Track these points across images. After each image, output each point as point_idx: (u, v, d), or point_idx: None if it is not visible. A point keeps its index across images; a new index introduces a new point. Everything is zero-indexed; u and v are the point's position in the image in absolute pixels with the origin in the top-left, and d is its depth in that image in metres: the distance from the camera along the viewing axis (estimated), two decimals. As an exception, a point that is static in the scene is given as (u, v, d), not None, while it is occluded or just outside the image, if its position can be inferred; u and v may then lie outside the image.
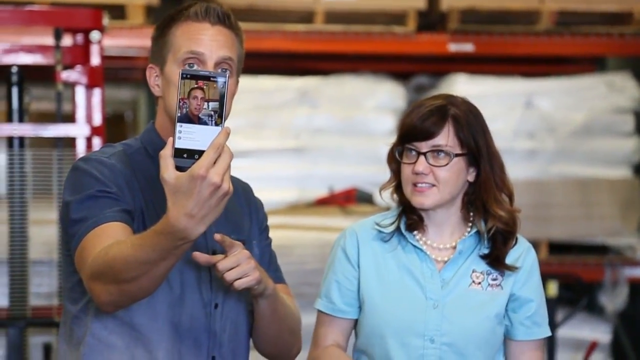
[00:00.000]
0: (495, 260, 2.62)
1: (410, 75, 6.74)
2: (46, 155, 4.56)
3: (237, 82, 2.46)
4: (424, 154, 2.59)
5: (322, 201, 6.05)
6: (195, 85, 2.00)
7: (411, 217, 2.66)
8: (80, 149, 4.55)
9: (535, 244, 6.17)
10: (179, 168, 1.98)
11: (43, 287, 4.81)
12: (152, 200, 2.33)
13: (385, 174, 2.75)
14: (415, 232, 2.66)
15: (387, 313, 2.60)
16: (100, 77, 4.59)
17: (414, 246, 2.65)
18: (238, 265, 2.22)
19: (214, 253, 2.40)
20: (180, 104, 2.00)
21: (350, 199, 5.92)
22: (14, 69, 4.56)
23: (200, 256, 2.22)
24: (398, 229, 2.67)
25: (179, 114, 2.00)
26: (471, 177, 2.65)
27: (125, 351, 2.33)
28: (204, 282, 2.39)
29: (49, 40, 4.57)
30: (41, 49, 4.60)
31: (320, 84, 6.38)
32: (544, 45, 6.37)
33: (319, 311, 2.73)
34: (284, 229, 5.64)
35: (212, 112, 2.00)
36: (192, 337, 2.37)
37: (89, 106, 4.61)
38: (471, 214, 2.67)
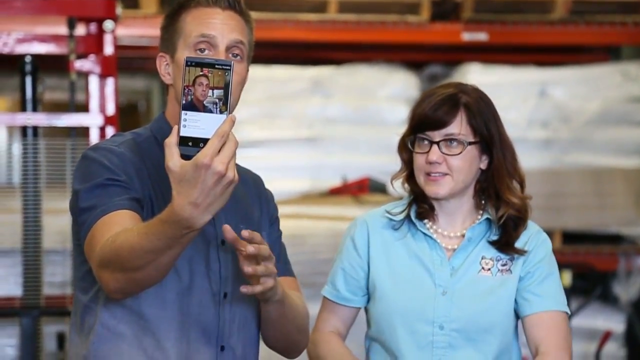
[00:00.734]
0: (505, 245, 2.62)
1: (423, 65, 6.73)
2: (59, 145, 4.56)
3: (248, 68, 2.45)
4: (437, 143, 2.59)
5: (335, 191, 6.05)
6: (200, 73, 1.99)
7: (422, 206, 2.65)
8: (94, 138, 4.56)
9: (549, 234, 6.09)
10: (185, 156, 1.96)
11: (57, 277, 4.82)
12: (160, 189, 2.32)
13: (399, 163, 2.74)
14: (425, 221, 2.66)
15: (396, 300, 2.60)
16: (113, 67, 4.59)
17: (424, 234, 2.65)
18: (264, 259, 2.18)
19: (222, 243, 2.41)
20: (185, 91, 1.98)
21: (363, 189, 5.92)
22: (28, 59, 4.56)
23: (228, 232, 2.18)
24: (408, 217, 2.66)
25: (183, 102, 1.98)
26: (484, 165, 2.64)
27: (133, 340, 2.32)
28: (212, 272, 2.38)
29: (62, 29, 4.57)
30: (55, 38, 4.61)
31: (333, 74, 6.38)
32: (558, 34, 6.36)
33: (324, 297, 2.74)
34: (296, 218, 5.65)
35: (217, 100, 1.98)
36: (200, 327, 2.36)
37: (102, 96, 4.61)
38: (483, 201, 2.66)
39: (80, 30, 4.60)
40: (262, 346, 2.54)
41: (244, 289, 2.19)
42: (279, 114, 6.24)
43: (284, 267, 2.55)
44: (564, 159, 6.33)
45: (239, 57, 2.37)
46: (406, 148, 2.66)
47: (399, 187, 2.72)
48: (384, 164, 5.93)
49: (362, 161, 6.17)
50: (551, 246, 2.70)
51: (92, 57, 4.59)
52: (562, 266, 5.74)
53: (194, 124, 1.98)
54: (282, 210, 6.07)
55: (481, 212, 2.66)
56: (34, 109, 4.59)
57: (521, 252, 2.62)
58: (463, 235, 2.64)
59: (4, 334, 5.02)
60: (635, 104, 6.36)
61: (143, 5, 6.22)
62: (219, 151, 1.94)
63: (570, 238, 6.25)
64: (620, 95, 6.34)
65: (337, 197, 5.96)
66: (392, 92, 6.35)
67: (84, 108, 4.67)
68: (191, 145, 1.97)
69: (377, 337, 2.66)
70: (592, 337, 6.03)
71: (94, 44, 4.59)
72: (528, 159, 6.14)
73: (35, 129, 4.57)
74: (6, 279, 5.03)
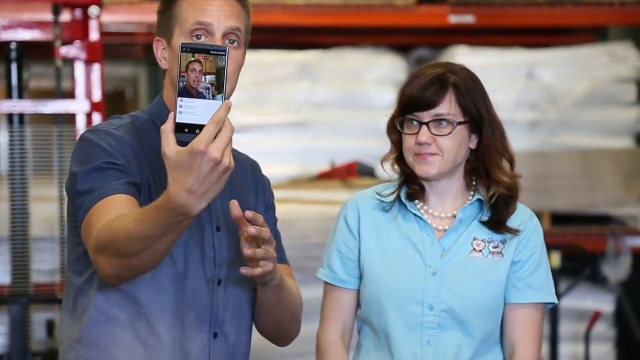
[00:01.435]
0: (497, 223, 2.62)
1: (410, 48, 6.71)
2: (46, 132, 4.55)
3: (245, 53, 2.44)
4: (426, 123, 2.58)
5: (323, 175, 6.04)
6: (193, 58, 1.98)
7: (412, 187, 2.65)
8: (80, 124, 4.55)
9: (538, 215, 6.10)
10: (181, 143, 1.96)
11: (45, 264, 4.81)
12: (158, 173, 2.31)
13: (387, 147, 2.73)
14: (416, 201, 2.65)
15: (386, 281, 2.60)
16: (99, 53, 4.57)
17: (415, 215, 2.64)
18: (264, 242, 2.18)
19: (217, 229, 2.40)
20: (181, 77, 1.98)
21: (351, 173, 5.91)
22: (13, 45, 4.55)
23: (235, 207, 2.17)
24: (398, 198, 2.66)
25: (179, 88, 1.97)
26: (473, 145, 2.64)
27: (127, 324, 2.32)
28: (207, 258, 2.38)
29: (47, 16, 4.55)
30: (40, 24, 4.59)
31: (320, 58, 6.36)
32: (545, 15, 6.34)
33: (324, 282, 2.73)
34: (286, 203, 5.63)
35: (212, 86, 1.98)
36: (194, 313, 2.36)
37: (88, 82, 4.60)
38: (473, 181, 2.66)
39: (65, 16, 4.58)
40: (255, 334, 2.54)
41: (244, 270, 2.19)
42: (266, 99, 6.22)
43: (279, 255, 2.54)
44: (552, 140, 6.33)
45: (235, 44, 2.37)
46: (395, 129, 2.66)
47: (388, 170, 2.71)
48: (373, 147, 5.92)
49: (351, 145, 6.16)
50: (542, 232, 2.70)
51: (77, 43, 4.58)
52: (551, 247, 5.73)
53: (190, 110, 1.97)
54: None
55: (472, 192, 2.66)
56: (20, 96, 4.57)
57: (514, 232, 2.62)
58: (454, 216, 2.64)
59: (-7, 322, 5.02)
60: (622, 85, 6.36)
61: (129, -9, 6.18)
62: (215, 137, 1.93)
63: (559, 219, 6.25)
64: (608, 76, 6.34)
65: (325, 181, 5.96)
66: (380, 75, 6.33)
67: (70, 95, 4.65)
68: (187, 132, 1.97)
69: (366, 318, 2.66)
70: (582, 317, 6.04)
71: (79, 30, 4.58)
72: (516, 141, 6.05)
73: (21, 116, 4.55)
74: (-6, 267, 5.02)
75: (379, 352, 2.63)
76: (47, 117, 4.68)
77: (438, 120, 2.58)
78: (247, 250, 2.16)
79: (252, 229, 2.13)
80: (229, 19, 2.35)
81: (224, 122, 1.95)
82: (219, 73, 1.98)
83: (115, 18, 6.08)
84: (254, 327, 2.54)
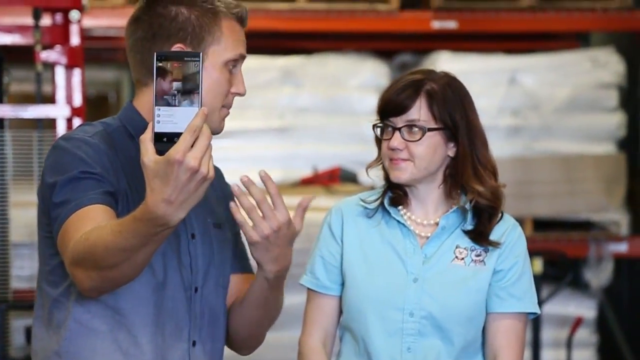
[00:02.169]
0: (479, 235, 2.61)
1: (394, 53, 6.71)
2: (26, 137, 4.52)
3: None
4: (399, 129, 2.58)
5: (306, 181, 6.03)
6: (167, 66, 1.96)
7: (396, 192, 2.64)
8: (61, 129, 4.52)
9: (520, 221, 6.06)
10: (160, 152, 1.93)
11: (25, 270, 4.78)
12: (134, 182, 2.28)
13: (369, 153, 2.74)
14: (399, 208, 2.65)
15: (367, 287, 2.59)
16: (80, 57, 4.55)
17: (398, 221, 2.64)
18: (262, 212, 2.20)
19: (192, 236, 2.38)
20: (158, 86, 1.95)
21: (334, 179, 5.90)
22: (-7, 50, 4.53)
23: (237, 190, 2.17)
24: (382, 205, 2.65)
25: (155, 97, 1.95)
26: (451, 152, 2.63)
27: (108, 335, 2.29)
28: (184, 266, 2.36)
29: (28, 20, 4.53)
30: (20, 29, 4.57)
31: (303, 63, 6.35)
32: (527, 21, 6.35)
33: (307, 289, 2.71)
34: (268, 208, 5.62)
35: (188, 93, 1.96)
36: (174, 321, 2.34)
37: (69, 87, 4.58)
38: (454, 190, 2.65)
39: (46, 20, 4.55)
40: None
41: (244, 178, 2.18)
42: (249, 104, 6.19)
43: (244, 264, 2.55)
44: (534, 146, 6.33)
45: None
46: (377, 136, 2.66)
47: (371, 176, 2.71)
48: (355, 153, 5.92)
49: (333, 151, 6.14)
50: (525, 242, 2.69)
51: (58, 47, 4.55)
52: (533, 253, 5.71)
53: (167, 119, 1.95)
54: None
55: (454, 201, 2.65)
56: (0, 101, 4.54)
57: (495, 245, 2.61)
58: (437, 224, 2.63)
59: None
60: (604, 90, 6.36)
61: (111, -5, 6.16)
62: (192, 146, 1.91)
63: (541, 225, 6.26)
64: (590, 82, 6.34)
65: (308, 187, 5.94)
66: (363, 81, 6.33)
67: (51, 99, 4.63)
68: (166, 141, 1.94)
69: (347, 325, 2.65)
70: (564, 323, 6.05)
71: (60, 34, 4.55)
72: (498, 147, 6.13)
73: (1, 120, 4.52)
74: (-27, 274, 4.98)
75: (359, 358, 2.62)
76: (27, 121, 4.65)
77: (410, 125, 2.57)
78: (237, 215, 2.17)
79: (244, 177, 2.15)
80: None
81: (201, 129, 1.92)
82: (194, 80, 1.96)
83: (97, 22, 6.06)
84: None
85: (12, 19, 4.66)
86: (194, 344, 2.38)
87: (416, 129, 2.57)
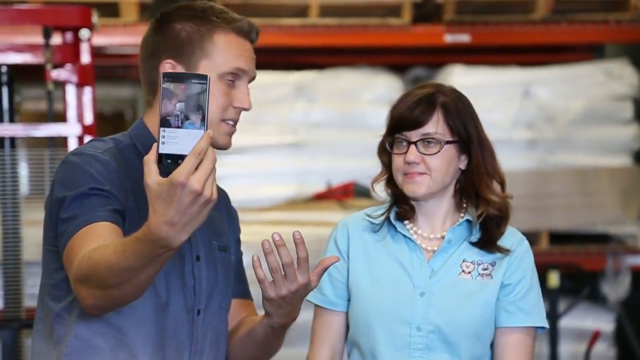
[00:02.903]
0: (487, 243, 2.59)
1: (406, 68, 6.71)
2: (38, 155, 4.52)
3: None
4: (415, 143, 2.57)
5: (320, 196, 6.02)
6: (175, 88, 1.94)
7: (402, 207, 2.63)
8: (72, 148, 4.50)
9: (536, 235, 6.15)
10: (164, 173, 1.92)
11: (37, 289, 4.76)
12: (143, 200, 2.27)
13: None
14: (406, 222, 2.64)
15: (374, 301, 2.58)
16: (90, 76, 4.54)
17: (404, 236, 2.62)
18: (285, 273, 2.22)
19: (197, 258, 2.37)
20: (163, 107, 1.95)
21: (348, 193, 5.89)
22: (4, 69, 4.52)
23: (267, 247, 2.20)
24: (388, 219, 2.64)
25: (161, 118, 1.94)
26: (463, 165, 2.63)
27: (109, 354, 2.28)
28: (187, 287, 2.35)
29: (38, 39, 4.53)
30: (30, 48, 4.56)
31: (316, 78, 6.35)
32: (541, 34, 6.34)
33: (314, 305, 2.70)
34: (282, 225, 5.61)
35: (193, 115, 1.95)
36: (175, 343, 2.33)
37: (80, 105, 4.56)
38: (464, 202, 2.64)
39: (57, 39, 4.56)
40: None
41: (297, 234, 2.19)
42: (262, 120, 6.21)
43: (243, 288, 2.55)
44: (549, 159, 6.31)
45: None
46: (385, 150, 2.65)
47: (383, 192, 2.70)
48: (369, 168, 5.84)
49: (347, 166, 6.14)
50: (532, 255, 2.67)
51: (68, 66, 4.55)
52: (549, 267, 5.76)
53: (172, 141, 1.94)
54: (266, 216, 6.03)
55: (462, 213, 2.63)
56: (11, 120, 4.55)
57: (504, 251, 2.59)
58: (443, 237, 2.61)
59: (-15, 348, 4.98)
60: (619, 102, 6.34)
61: (123, 13, 6.18)
62: (196, 169, 1.89)
63: (557, 238, 6.23)
64: (604, 94, 6.32)
65: (322, 202, 5.93)
66: (376, 95, 6.32)
67: (62, 118, 4.63)
68: (170, 162, 1.93)
69: (355, 340, 2.63)
70: (582, 337, 6.01)
71: (70, 53, 4.54)
72: (513, 160, 6.13)
73: (12, 139, 4.53)
74: (-14, 293, 4.99)
75: (367, 374, 2.61)
76: (39, 140, 4.65)
77: (426, 139, 2.57)
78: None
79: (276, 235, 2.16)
80: (254, 66, 2.39)
81: (206, 152, 1.91)
82: (200, 102, 1.95)
83: (110, 40, 6.08)
84: None
85: (23, 38, 4.66)
86: None
87: (433, 143, 2.57)
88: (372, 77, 6.38)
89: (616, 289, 6.21)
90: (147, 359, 2.29)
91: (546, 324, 2.63)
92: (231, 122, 2.37)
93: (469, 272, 2.59)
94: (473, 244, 2.61)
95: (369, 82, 6.34)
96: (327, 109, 6.27)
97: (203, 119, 1.95)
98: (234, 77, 2.34)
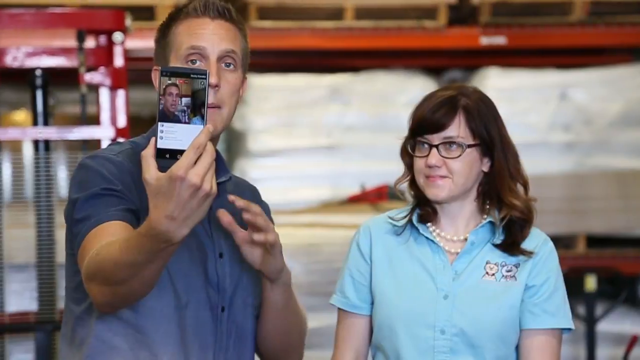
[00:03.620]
0: (511, 246, 2.57)
1: (442, 70, 6.69)
2: (72, 158, 4.55)
3: (244, 76, 2.42)
4: (436, 146, 2.55)
5: (354, 199, 6.01)
6: (170, 82, 1.95)
7: (425, 209, 2.62)
8: (106, 150, 4.53)
9: (573, 238, 6.10)
10: (163, 168, 1.94)
11: (70, 291, 4.79)
12: None
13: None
14: (428, 224, 2.62)
15: (397, 305, 2.57)
16: (124, 79, 4.57)
17: (427, 238, 2.61)
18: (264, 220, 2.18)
19: (220, 255, 2.37)
20: (160, 102, 1.95)
21: (382, 196, 5.87)
22: (38, 72, 4.56)
23: (225, 215, 2.18)
24: (410, 221, 2.63)
25: (159, 113, 1.95)
26: (485, 168, 2.60)
27: (129, 353, 2.29)
28: (211, 285, 2.35)
29: (72, 42, 4.56)
30: (64, 51, 4.59)
31: (351, 81, 6.35)
32: (578, 36, 6.29)
33: (338, 308, 2.69)
34: (315, 227, 5.61)
35: (191, 110, 1.95)
36: (197, 341, 2.33)
37: (113, 108, 4.60)
38: (487, 205, 2.62)
39: (90, 43, 4.59)
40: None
41: (256, 236, 2.17)
42: (297, 123, 6.21)
43: None
44: (586, 161, 6.26)
45: (231, 67, 2.35)
46: (407, 152, 2.64)
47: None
48: (403, 171, 5.87)
49: (381, 168, 6.10)
50: (557, 257, 2.65)
51: (102, 69, 4.58)
52: (587, 270, 5.72)
53: (171, 135, 1.95)
54: (299, 219, 6.03)
55: (485, 215, 2.61)
56: (46, 123, 4.58)
57: (528, 254, 2.57)
58: (466, 239, 2.60)
59: (21, 349, 5.02)
60: (657, 105, 6.28)
61: (159, 17, 6.20)
62: (195, 163, 1.91)
63: (595, 242, 6.18)
64: (642, 96, 6.27)
65: (355, 205, 5.92)
66: (411, 98, 6.28)
67: (96, 121, 4.66)
68: (169, 158, 1.95)
69: (379, 344, 2.62)
70: (619, 342, 5.94)
71: (103, 56, 4.58)
72: (550, 163, 6.09)
73: (47, 142, 4.56)
74: (21, 294, 5.02)
75: (392, 377, 2.59)
76: (73, 142, 4.68)
77: (448, 142, 2.55)
78: (240, 232, 2.16)
79: (247, 215, 2.12)
80: (223, 42, 2.34)
81: (205, 146, 1.93)
82: (199, 96, 1.96)
83: (145, 44, 6.09)
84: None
85: (57, 42, 4.69)
86: None
87: (455, 146, 2.55)
88: (407, 79, 6.36)
89: (654, 293, 6.16)
90: (168, 357, 2.30)
91: (572, 325, 2.61)
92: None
93: (493, 274, 2.57)
94: (496, 246, 2.59)
95: (404, 84, 6.32)
96: (361, 111, 6.26)
97: (202, 114, 1.96)
98: (195, 57, 2.32)
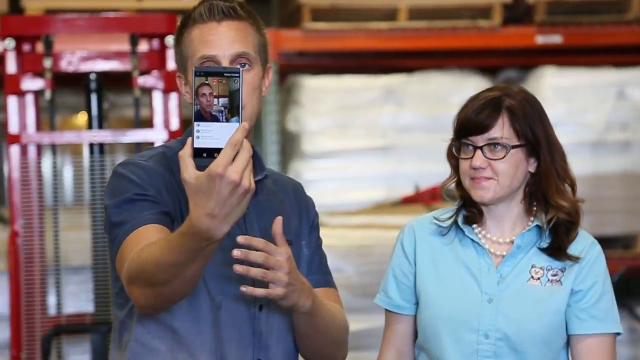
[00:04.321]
0: (557, 250, 2.54)
1: (497, 70, 6.64)
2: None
3: (264, 72, 2.42)
4: (481, 147, 2.54)
5: (408, 199, 6.00)
6: (205, 82, 1.98)
7: (470, 210, 2.60)
8: (159, 153, 4.57)
9: (632, 237, 6.02)
10: (201, 168, 1.96)
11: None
12: None
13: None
14: (474, 226, 2.60)
15: (441, 307, 2.55)
16: (176, 82, 4.60)
17: (472, 240, 2.59)
18: (268, 267, 2.14)
19: None
20: (195, 102, 1.98)
21: (436, 197, 5.85)
22: (92, 76, 4.62)
23: (277, 225, 2.16)
24: (456, 223, 2.61)
25: (195, 113, 1.98)
26: (532, 168, 2.58)
27: (168, 355, 2.31)
28: (247, 283, 2.36)
29: (125, 46, 4.62)
30: (118, 55, 4.65)
31: (405, 82, 6.33)
32: (635, 34, 6.22)
33: (384, 309, 2.69)
34: (368, 228, 5.60)
35: (226, 108, 1.97)
36: (235, 340, 2.34)
37: (166, 111, 4.64)
38: (533, 206, 2.59)
39: (143, 46, 4.63)
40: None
41: (243, 288, 2.15)
42: (351, 124, 6.21)
43: (323, 278, 2.52)
44: (644, 161, 6.18)
45: (246, 66, 2.35)
46: (453, 154, 2.64)
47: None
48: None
49: (436, 169, 6.06)
50: (605, 260, 2.61)
51: (155, 73, 4.62)
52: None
53: (207, 135, 1.98)
54: (354, 220, 6.00)
55: (532, 218, 2.59)
56: (100, 126, 4.64)
57: (574, 259, 2.54)
58: (512, 242, 2.57)
59: (77, 351, 5.09)
60: None
61: (213, 19, 6.24)
62: (233, 160, 1.93)
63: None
64: (702, 94, 6.17)
65: (409, 206, 5.90)
66: (466, 98, 6.14)
67: (149, 124, 4.71)
68: (206, 157, 1.97)
69: (423, 345, 2.62)
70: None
71: (156, 59, 4.63)
72: (607, 162, 6.02)
73: (101, 145, 4.62)
74: (78, 296, 5.09)
75: (435, 379, 2.58)
76: (126, 145, 4.73)
77: (492, 144, 2.53)
78: (238, 267, 2.11)
79: (235, 251, 2.09)
80: (234, 45, 2.34)
81: (242, 144, 1.94)
82: (234, 95, 1.98)
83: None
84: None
85: (111, 46, 4.74)
86: None
87: (499, 147, 2.53)
88: (462, 80, 6.33)
89: None
90: (206, 357, 2.31)
91: (620, 330, 2.57)
92: None
93: (538, 279, 2.54)
94: (542, 249, 2.56)
95: (459, 85, 6.29)
96: (416, 112, 6.24)
97: (237, 111, 1.98)
98: (210, 65, 2.32)
